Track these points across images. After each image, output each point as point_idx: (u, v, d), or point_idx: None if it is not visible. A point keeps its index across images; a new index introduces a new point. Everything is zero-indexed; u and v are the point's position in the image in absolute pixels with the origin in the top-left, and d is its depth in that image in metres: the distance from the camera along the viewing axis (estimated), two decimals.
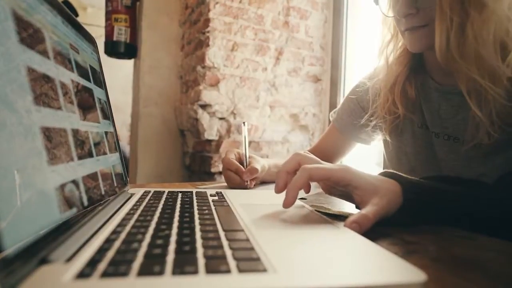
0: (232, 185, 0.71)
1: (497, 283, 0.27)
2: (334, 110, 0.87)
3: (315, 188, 0.58)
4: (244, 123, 0.74)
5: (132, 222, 0.34)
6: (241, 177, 0.69)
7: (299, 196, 0.57)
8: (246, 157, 0.72)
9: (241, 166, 0.70)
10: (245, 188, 0.69)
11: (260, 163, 0.73)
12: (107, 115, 0.52)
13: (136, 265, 0.23)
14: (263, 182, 0.80)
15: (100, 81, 0.52)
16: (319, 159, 0.46)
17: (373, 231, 0.37)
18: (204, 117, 1.52)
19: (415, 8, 0.56)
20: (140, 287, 0.20)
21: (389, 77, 0.67)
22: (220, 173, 1.54)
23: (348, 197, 0.46)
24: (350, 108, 0.80)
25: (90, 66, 0.48)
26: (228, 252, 0.26)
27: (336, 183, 0.42)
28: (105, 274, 0.21)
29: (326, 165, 0.44)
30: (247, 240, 0.30)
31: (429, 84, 0.65)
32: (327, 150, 0.85)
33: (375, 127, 0.72)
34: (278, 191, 0.44)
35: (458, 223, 0.43)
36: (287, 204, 0.41)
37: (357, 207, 0.45)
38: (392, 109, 0.67)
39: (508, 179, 0.54)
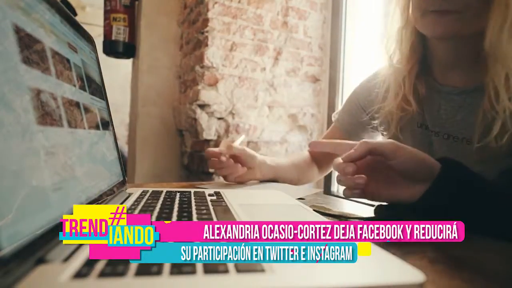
0: (216, 170, 0.75)
1: (495, 284, 0.27)
2: (336, 111, 0.87)
3: (312, 188, 0.59)
4: (243, 136, 0.80)
5: None
6: (219, 159, 0.72)
7: (297, 197, 0.57)
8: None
9: (215, 150, 0.73)
10: (227, 169, 0.73)
11: (255, 158, 0.76)
12: (105, 115, 0.51)
13: (134, 265, 0.23)
14: (262, 181, 0.80)
15: (98, 81, 0.51)
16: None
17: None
18: (202, 117, 1.52)
19: None
20: (137, 287, 0.20)
21: (400, 71, 0.65)
22: None
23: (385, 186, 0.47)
24: (352, 108, 0.81)
25: (89, 66, 0.48)
26: None
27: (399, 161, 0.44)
28: (103, 274, 0.21)
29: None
30: None
31: (430, 83, 0.65)
32: None
33: (377, 124, 0.72)
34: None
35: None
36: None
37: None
38: (401, 105, 0.65)
39: (508, 175, 0.54)
